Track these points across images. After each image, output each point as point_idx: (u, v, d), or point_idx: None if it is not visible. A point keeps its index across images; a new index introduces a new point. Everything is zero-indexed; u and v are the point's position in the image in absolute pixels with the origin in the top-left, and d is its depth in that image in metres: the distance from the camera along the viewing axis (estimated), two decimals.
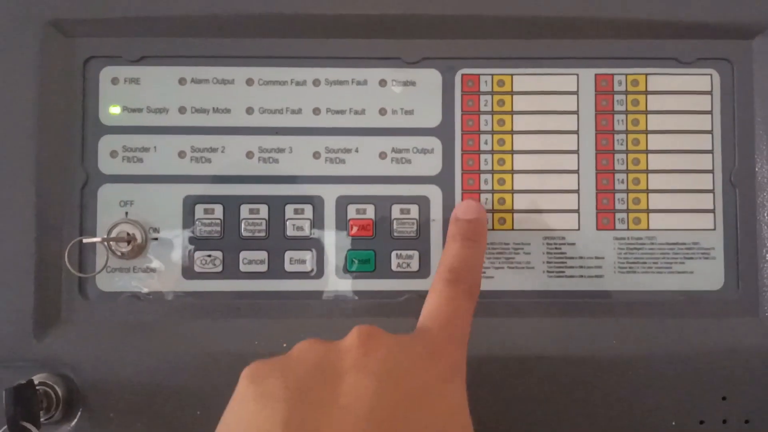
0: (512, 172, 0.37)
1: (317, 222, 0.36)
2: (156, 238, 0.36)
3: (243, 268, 0.36)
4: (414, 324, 0.35)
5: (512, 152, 0.37)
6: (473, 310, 0.30)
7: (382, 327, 0.35)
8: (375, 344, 0.26)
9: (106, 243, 0.35)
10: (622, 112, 0.37)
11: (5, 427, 0.31)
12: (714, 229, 0.37)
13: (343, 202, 0.36)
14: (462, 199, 0.37)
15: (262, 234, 0.36)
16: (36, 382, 0.33)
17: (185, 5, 0.35)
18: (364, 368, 0.25)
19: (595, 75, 0.37)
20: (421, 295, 0.36)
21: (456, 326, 0.29)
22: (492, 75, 0.37)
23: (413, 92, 0.37)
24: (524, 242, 0.37)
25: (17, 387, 0.31)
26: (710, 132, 0.37)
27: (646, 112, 0.37)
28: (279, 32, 0.36)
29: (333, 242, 0.36)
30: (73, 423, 0.34)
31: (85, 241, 0.34)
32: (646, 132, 0.37)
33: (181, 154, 0.36)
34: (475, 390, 0.35)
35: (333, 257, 0.36)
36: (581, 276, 0.37)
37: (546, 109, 0.37)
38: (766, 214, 0.36)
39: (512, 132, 0.37)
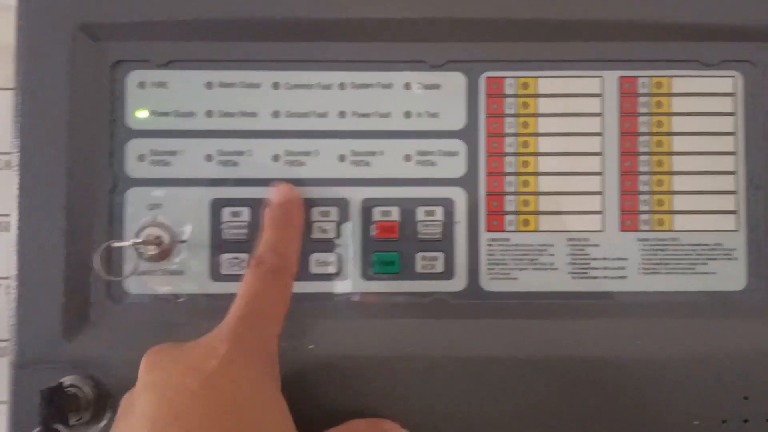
0: (536, 174, 0.37)
1: (342, 224, 0.37)
2: (184, 241, 0.36)
3: None
4: (437, 325, 0.36)
5: (536, 154, 0.37)
6: (282, 288, 0.31)
7: (407, 328, 0.36)
8: (157, 358, 0.28)
9: (134, 246, 0.35)
10: (646, 114, 0.37)
11: (39, 429, 0.31)
12: (737, 231, 0.37)
13: (368, 205, 0.37)
14: (487, 202, 0.37)
15: None
16: (66, 383, 0.34)
17: (212, 10, 0.35)
18: (146, 385, 0.26)
19: (619, 77, 0.37)
20: (449, 295, 0.37)
21: (252, 307, 0.29)
22: (516, 78, 0.37)
23: (438, 95, 0.37)
24: (548, 243, 0.37)
25: (51, 389, 0.32)
26: (733, 134, 0.37)
27: (670, 114, 0.37)
28: (305, 36, 0.36)
29: (358, 244, 0.37)
30: (102, 424, 0.35)
31: (114, 245, 0.35)
32: (670, 134, 0.37)
33: (208, 158, 0.36)
34: (498, 391, 0.35)
35: (358, 259, 0.37)
36: (605, 277, 0.37)
37: (570, 112, 0.37)
38: None
39: (536, 134, 0.37)
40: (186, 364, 0.27)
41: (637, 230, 0.37)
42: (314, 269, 0.37)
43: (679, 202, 0.37)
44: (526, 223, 0.37)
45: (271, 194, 0.35)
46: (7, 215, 0.43)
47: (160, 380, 0.26)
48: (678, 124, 0.37)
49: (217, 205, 0.36)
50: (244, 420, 0.26)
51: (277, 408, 0.28)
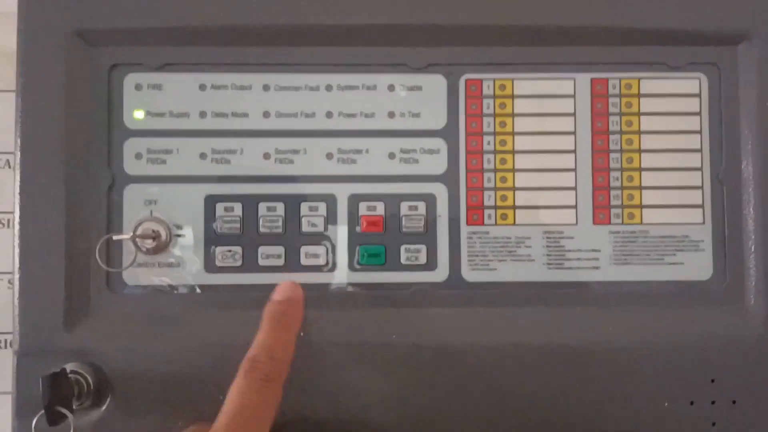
0: (513, 170, 0.39)
1: (330, 219, 0.39)
2: (179, 235, 0.38)
3: (261, 262, 0.38)
4: (420, 314, 0.38)
5: (513, 152, 0.39)
6: (273, 397, 0.31)
7: (393, 317, 0.37)
8: None
9: (133, 240, 0.37)
10: (617, 114, 0.39)
11: (41, 412, 0.33)
12: (703, 223, 0.39)
13: (354, 200, 0.39)
14: (467, 197, 0.39)
15: (279, 230, 0.38)
16: (68, 370, 0.35)
17: (205, 16, 0.37)
18: None
19: (591, 79, 0.39)
20: (431, 286, 0.38)
21: (243, 420, 0.30)
22: (494, 79, 0.39)
23: (420, 96, 0.39)
24: (525, 236, 0.39)
25: (52, 374, 0.33)
26: (699, 132, 0.39)
27: (639, 114, 0.39)
28: (294, 41, 0.38)
29: (345, 238, 0.39)
30: (103, 409, 0.36)
31: (114, 238, 0.36)
32: (639, 132, 0.39)
33: (202, 156, 0.38)
34: (479, 377, 0.37)
35: (345, 252, 0.39)
36: (579, 268, 0.39)
37: (545, 112, 0.39)
38: (751, 209, 0.38)
39: (513, 133, 0.39)
40: None
41: (609, 223, 0.39)
42: (304, 261, 0.38)
43: (648, 197, 0.39)
44: (504, 217, 0.39)
45: (276, 291, 0.35)
46: (9, 213, 0.45)
47: None
48: (647, 123, 0.39)
49: (211, 201, 0.38)
50: None
51: None
